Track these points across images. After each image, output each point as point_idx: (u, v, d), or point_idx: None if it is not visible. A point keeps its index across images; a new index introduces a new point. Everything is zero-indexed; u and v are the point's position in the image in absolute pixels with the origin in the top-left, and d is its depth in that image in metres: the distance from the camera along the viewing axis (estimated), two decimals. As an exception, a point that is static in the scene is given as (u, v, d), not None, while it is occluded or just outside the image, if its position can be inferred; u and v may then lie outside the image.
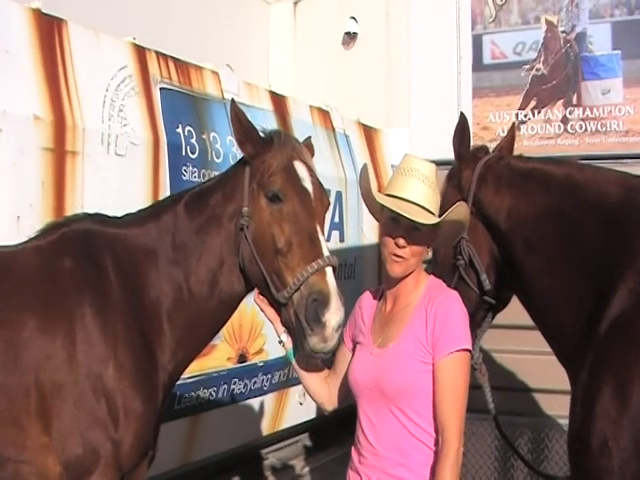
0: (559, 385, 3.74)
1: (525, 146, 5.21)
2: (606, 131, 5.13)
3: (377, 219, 3.19)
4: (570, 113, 5.29)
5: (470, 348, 2.88)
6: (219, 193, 3.41)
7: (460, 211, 3.05)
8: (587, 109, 5.24)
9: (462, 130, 3.68)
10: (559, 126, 5.33)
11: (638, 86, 5.12)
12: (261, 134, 3.36)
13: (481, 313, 3.65)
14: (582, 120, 5.22)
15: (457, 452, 2.76)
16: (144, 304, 3.37)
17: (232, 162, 6.61)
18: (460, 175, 3.67)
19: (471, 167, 3.64)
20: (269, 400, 7.42)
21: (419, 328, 2.89)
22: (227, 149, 6.56)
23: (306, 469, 8.18)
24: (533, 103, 5.41)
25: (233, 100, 3.31)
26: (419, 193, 2.93)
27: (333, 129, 8.67)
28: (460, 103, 5.23)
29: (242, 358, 6.81)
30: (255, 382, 7.08)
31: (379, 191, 3.07)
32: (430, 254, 3.62)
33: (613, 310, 2.90)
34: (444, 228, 3.02)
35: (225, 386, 6.64)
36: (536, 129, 5.33)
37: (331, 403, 3.29)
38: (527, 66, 5.47)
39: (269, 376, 7.30)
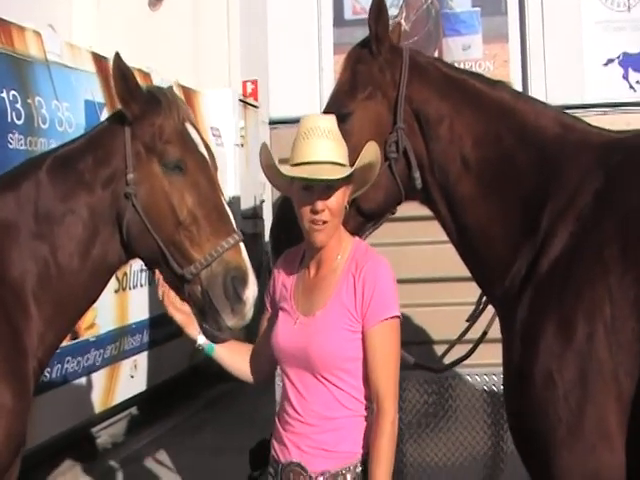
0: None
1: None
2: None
3: (287, 194, 3.00)
4: (432, 69, 5.30)
5: (399, 315, 2.81)
6: (90, 156, 3.08)
7: (370, 151, 2.88)
8: (448, 65, 5.29)
9: (378, 6, 3.25)
10: (422, 81, 5.32)
11: (496, 42, 5.22)
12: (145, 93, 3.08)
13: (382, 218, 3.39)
14: (443, 75, 5.26)
15: (394, 423, 2.72)
16: (5, 285, 3.01)
17: (59, 128, 6.27)
18: (381, 62, 3.29)
19: (396, 56, 3.29)
20: (101, 376, 7.15)
21: (347, 297, 2.79)
22: (53, 114, 6.13)
23: (139, 444, 7.95)
24: (396, 59, 5.35)
25: (117, 54, 2.98)
26: (325, 150, 2.78)
27: (154, 91, 8.34)
28: (321, 59, 5.09)
29: (74, 334, 6.41)
30: (88, 358, 6.77)
31: None
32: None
33: (554, 250, 2.85)
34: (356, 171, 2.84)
35: (58, 365, 6.26)
36: (399, 85, 5.29)
37: (261, 374, 3.15)
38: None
39: (101, 351, 7.01)
